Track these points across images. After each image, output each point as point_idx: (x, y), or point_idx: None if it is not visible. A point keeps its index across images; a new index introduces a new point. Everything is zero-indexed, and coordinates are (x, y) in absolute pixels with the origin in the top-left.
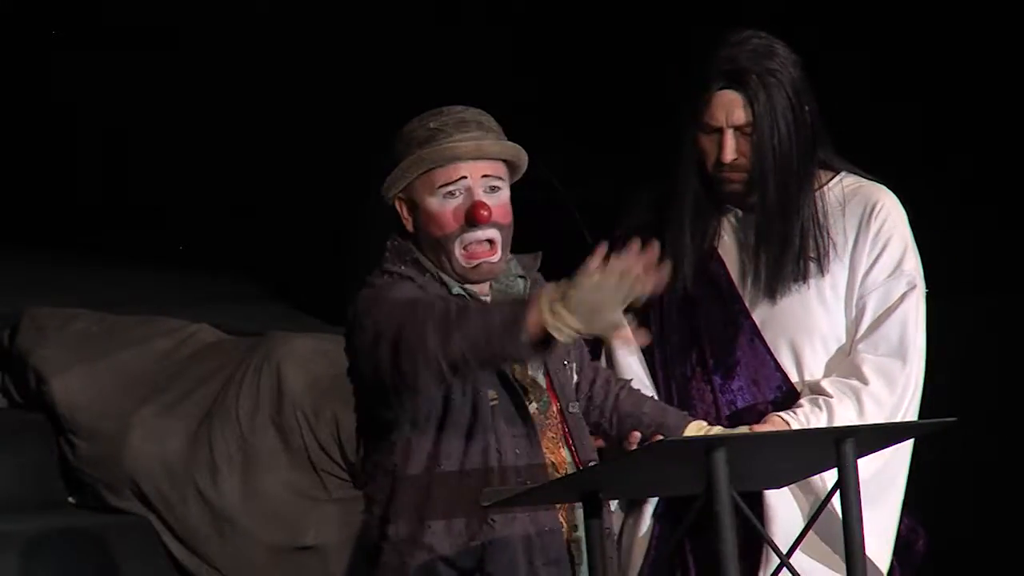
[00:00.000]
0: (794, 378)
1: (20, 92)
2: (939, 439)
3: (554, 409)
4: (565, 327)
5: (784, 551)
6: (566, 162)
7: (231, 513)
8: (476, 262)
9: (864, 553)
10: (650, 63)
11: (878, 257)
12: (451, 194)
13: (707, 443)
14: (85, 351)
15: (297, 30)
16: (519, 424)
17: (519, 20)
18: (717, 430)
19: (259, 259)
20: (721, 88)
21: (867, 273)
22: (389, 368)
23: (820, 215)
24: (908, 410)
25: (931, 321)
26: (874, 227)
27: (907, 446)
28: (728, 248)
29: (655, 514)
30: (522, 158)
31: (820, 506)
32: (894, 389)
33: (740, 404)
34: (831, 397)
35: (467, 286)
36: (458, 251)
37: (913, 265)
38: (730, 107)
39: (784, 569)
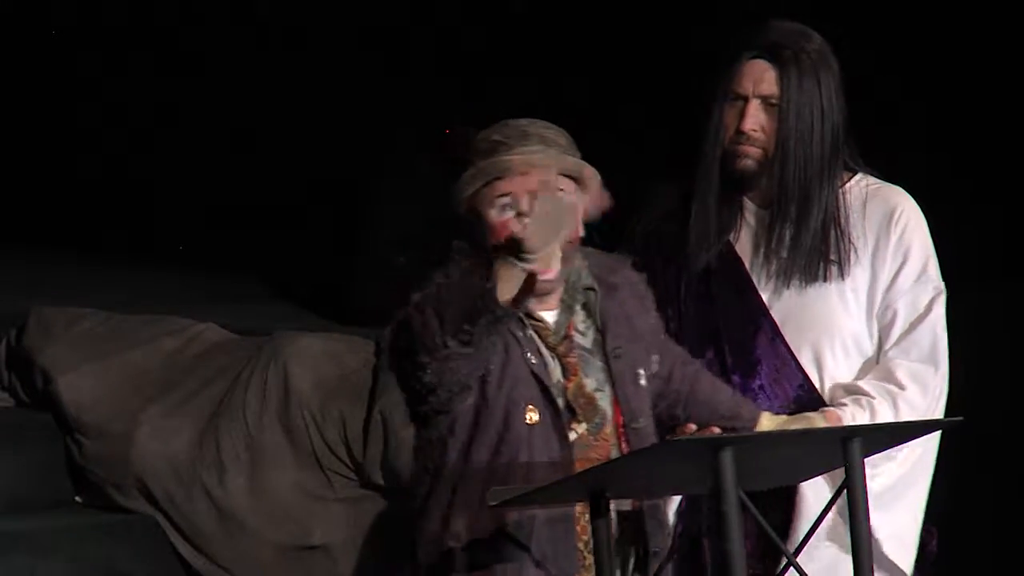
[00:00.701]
0: (814, 378)
1: (20, 91)
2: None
3: (608, 430)
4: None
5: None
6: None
7: (238, 512)
8: None
9: (871, 553)
10: (656, 61)
11: (903, 264)
12: (507, 206)
13: (714, 443)
14: (92, 350)
15: (299, 30)
16: (555, 446)
17: (520, 18)
18: (782, 420)
19: (265, 258)
20: (753, 57)
21: (893, 280)
22: (408, 365)
23: (841, 217)
24: (937, 414)
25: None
26: (895, 233)
27: (933, 449)
28: (745, 246)
29: (678, 512)
30: (584, 173)
31: (826, 506)
32: (927, 394)
33: (761, 403)
34: (873, 398)
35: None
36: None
37: (935, 269)
38: (759, 76)
39: (792, 566)
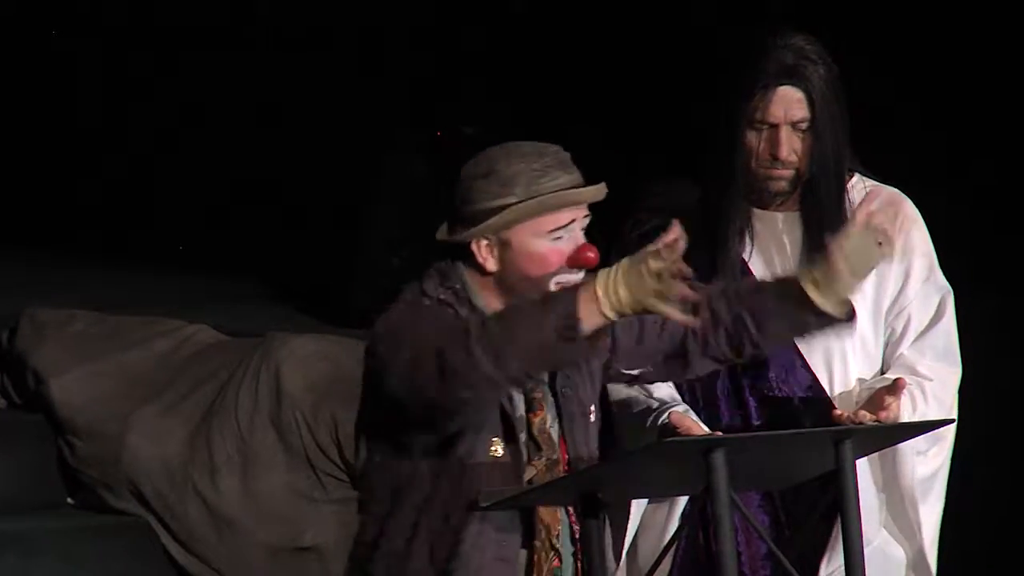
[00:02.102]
0: (823, 379)
1: (19, 91)
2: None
3: (559, 467)
4: (616, 303)
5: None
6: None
7: (230, 513)
8: None
9: (863, 553)
10: (642, 60)
11: (909, 270)
12: (559, 238)
13: (705, 444)
14: (84, 352)
15: (295, 31)
16: (512, 483)
17: (518, 20)
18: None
19: (260, 260)
20: (781, 84)
21: (902, 288)
22: (437, 396)
23: (847, 216)
24: (953, 411)
25: None
26: (899, 239)
27: (949, 446)
28: (755, 249)
29: (683, 515)
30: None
31: (818, 507)
32: (947, 390)
33: (768, 402)
34: (908, 384)
35: None
36: (552, 288)
37: (939, 270)
38: (789, 103)
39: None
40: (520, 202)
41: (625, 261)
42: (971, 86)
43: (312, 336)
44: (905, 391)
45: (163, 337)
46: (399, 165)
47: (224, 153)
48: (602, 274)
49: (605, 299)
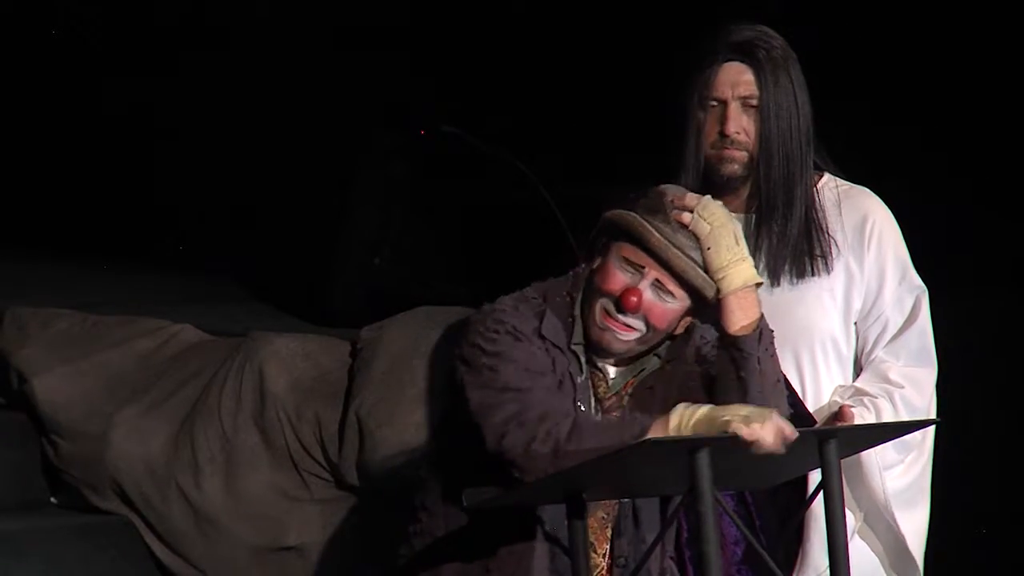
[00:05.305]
0: (794, 381)
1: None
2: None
3: None
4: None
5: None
6: (549, 162)
7: (213, 513)
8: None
9: (847, 553)
10: (634, 63)
11: (883, 277)
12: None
13: (690, 444)
14: (67, 351)
15: (275, 29)
16: None
17: (517, 22)
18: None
19: (241, 259)
20: (728, 60)
21: (878, 294)
22: (517, 458)
23: (819, 214)
24: (930, 412)
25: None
26: (871, 246)
27: (929, 449)
28: None
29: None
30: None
31: (804, 506)
32: (922, 394)
33: None
34: (875, 397)
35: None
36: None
37: (913, 271)
38: (736, 79)
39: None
40: None
41: (704, 413)
42: (972, 83)
43: (295, 335)
44: (870, 403)
45: (146, 336)
46: (376, 165)
47: (203, 154)
48: (676, 414)
49: (675, 431)
